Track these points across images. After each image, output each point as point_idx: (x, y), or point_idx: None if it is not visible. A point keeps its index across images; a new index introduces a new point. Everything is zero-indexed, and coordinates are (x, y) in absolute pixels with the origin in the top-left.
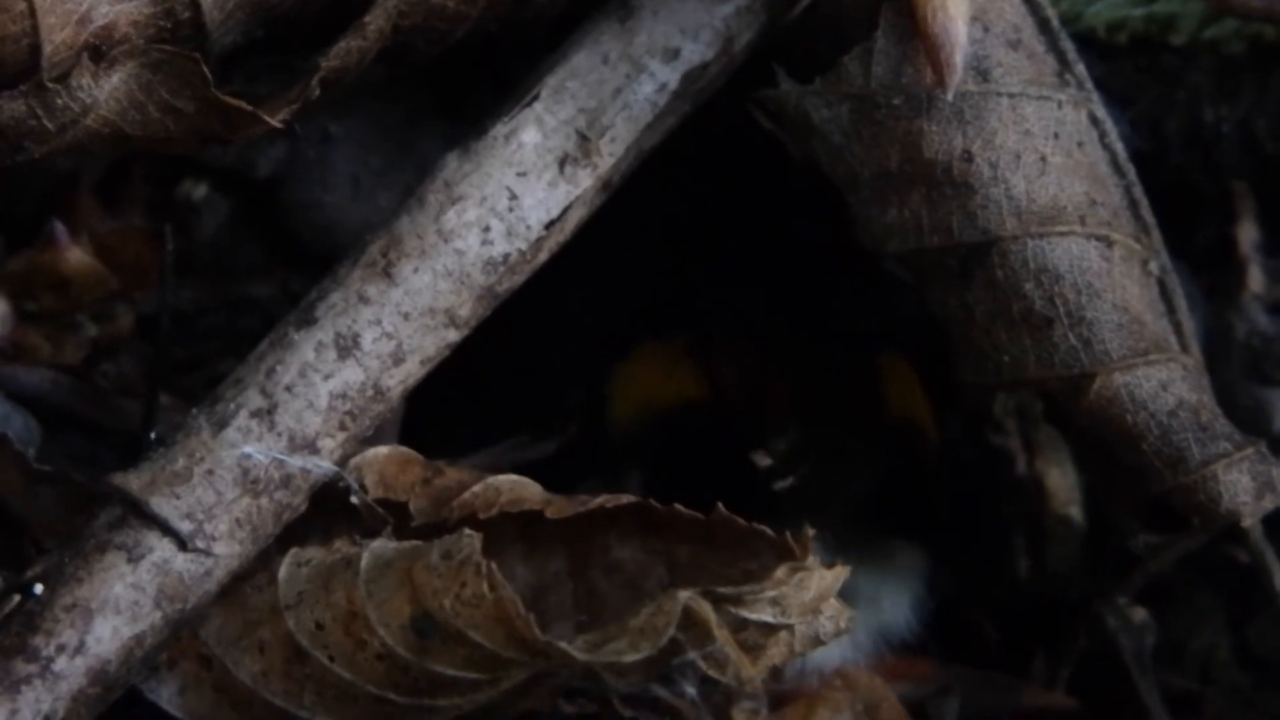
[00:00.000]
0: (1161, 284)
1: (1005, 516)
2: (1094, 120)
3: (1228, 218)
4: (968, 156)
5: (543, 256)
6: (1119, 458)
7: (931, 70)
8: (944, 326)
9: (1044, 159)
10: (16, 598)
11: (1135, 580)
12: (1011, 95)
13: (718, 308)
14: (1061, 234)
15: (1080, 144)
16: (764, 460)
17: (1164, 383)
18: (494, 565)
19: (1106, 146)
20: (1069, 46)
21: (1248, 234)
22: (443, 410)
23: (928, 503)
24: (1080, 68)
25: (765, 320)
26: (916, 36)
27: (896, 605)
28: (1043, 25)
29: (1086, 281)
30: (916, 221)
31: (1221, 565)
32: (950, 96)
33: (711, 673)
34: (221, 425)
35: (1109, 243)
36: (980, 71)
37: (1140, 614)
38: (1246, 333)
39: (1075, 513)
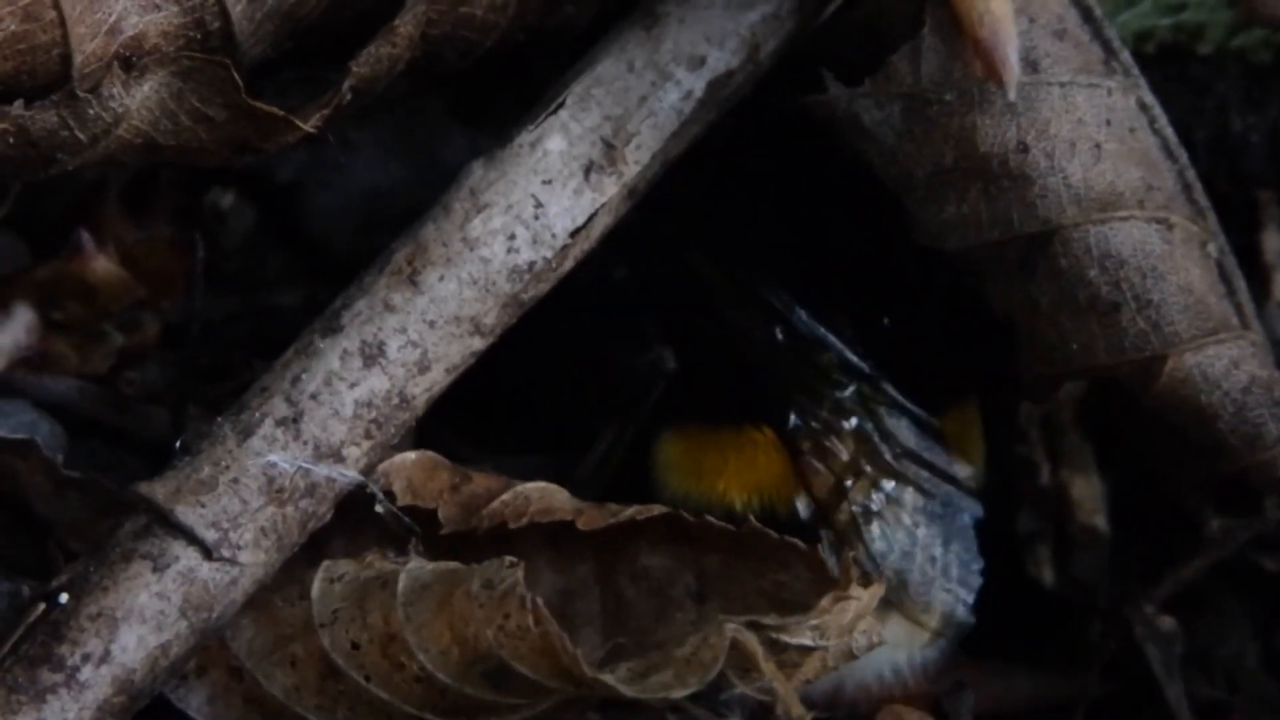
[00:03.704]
0: (1220, 265)
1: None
2: (1143, 106)
3: (1254, 226)
4: (1023, 148)
5: (568, 264)
6: (1192, 440)
7: (986, 72)
8: (1007, 321)
9: (1098, 146)
10: (42, 606)
11: (1163, 588)
12: (1062, 84)
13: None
14: (1122, 219)
15: (1132, 130)
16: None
17: (1235, 360)
18: (539, 600)
19: (1157, 131)
20: (1113, 34)
21: (1273, 242)
22: (460, 411)
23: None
24: (1126, 55)
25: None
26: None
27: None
28: (1086, 14)
29: (1150, 265)
30: (975, 216)
31: (1248, 572)
32: (1012, 95)
33: (757, 696)
34: (247, 434)
35: (1169, 225)
36: (1029, 63)
37: (1168, 622)
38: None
39: (1100, 521)
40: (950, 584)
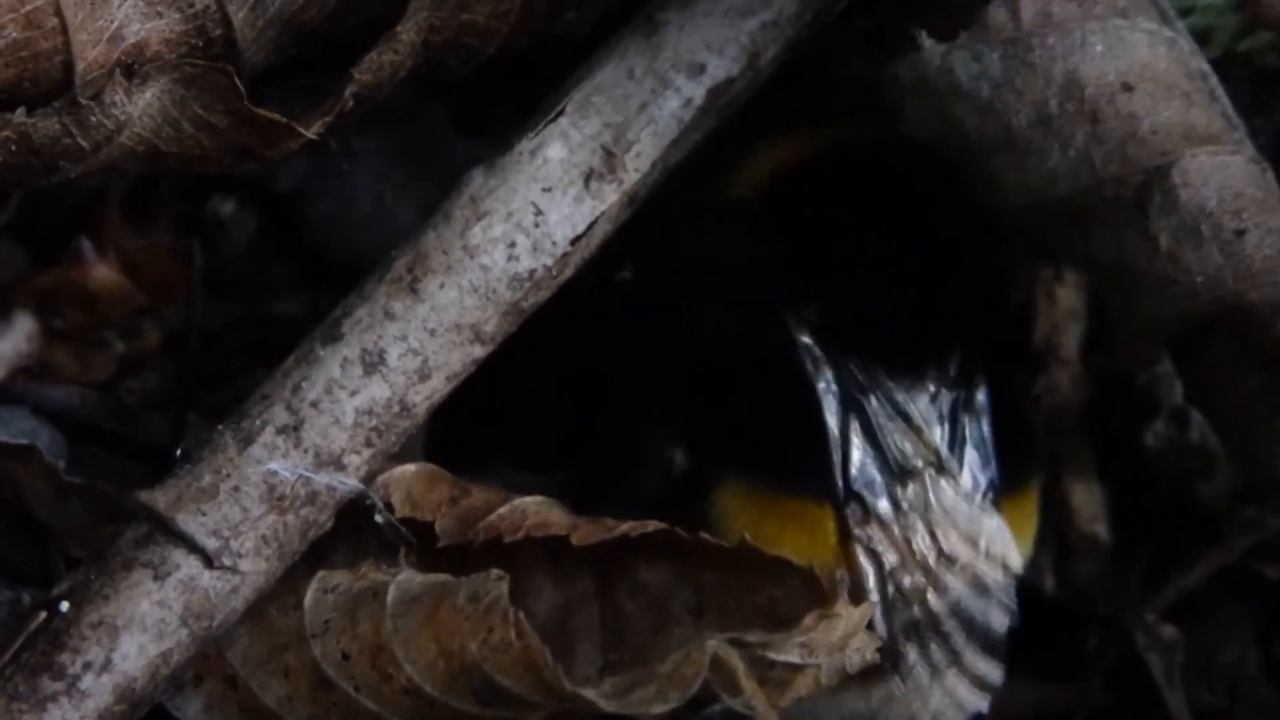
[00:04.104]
0: None
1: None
2: (1203, 74)
3: None
4: (1128, 87)
5: (568, 272)
6: None
7: None
8: (1115, 269)
9: (1187, 94)
10: (43, 615)
11: (1165, 597)
12: (1149, 32)
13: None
14: (1231, 152)
15: (1201, 89)
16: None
17: None
18: (521, 614)
19: (1216, 99)
20: (1167, 5)
21: None
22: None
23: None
24: (1181, 24)
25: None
26: None
27: None
28: None
29: (1262, 196)
30: (1085, 159)
31: (1249, 580)
32: None
33: (741, 711)
34: (247, 442)
35: (1263, 167)
36: (1118, 10)
37: (1169, 631)
38: None
39: (1101, 529)
40: (987, 662)
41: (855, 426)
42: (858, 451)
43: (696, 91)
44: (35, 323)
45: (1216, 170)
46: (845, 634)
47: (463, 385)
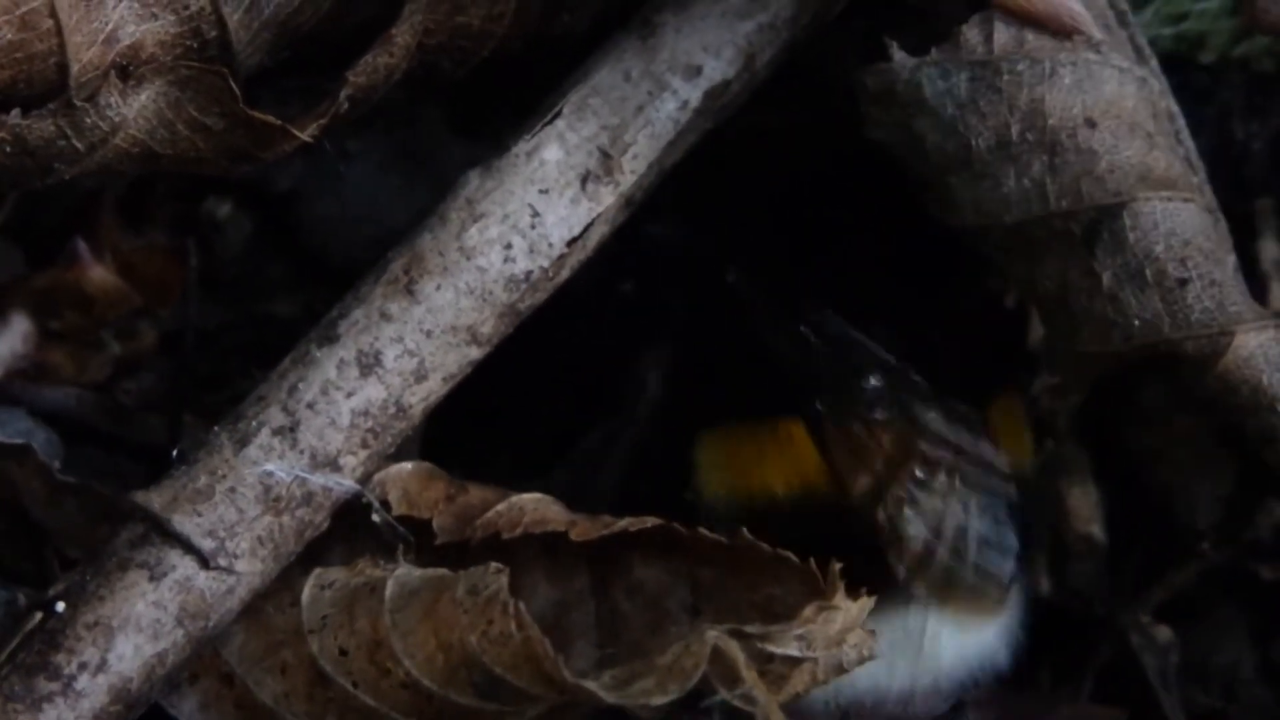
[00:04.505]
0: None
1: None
2: (1170, 115)
3: (1252, 235)
4: (1091, 123)
5: (565, 274)
6: (1247, 426)
7: (1060, 34)
8: (1056, 301)
9: (1150, 135)
10: (39, 615)
11: (1156, 593)
12: (1120, 70)
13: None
14: (1185, 200)
15: (1167, 133)
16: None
17: None
18: (522, 605)
19: (1181, 142)
20: (1144, 42)
21: (1270, 251)
22: (465, 425)
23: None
24: (1155, 63)
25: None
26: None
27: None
28: (1121, 18)
29: (1210, 247)
30: (1039, 189)
31: (1245, 581)
32: (1097, 34)
33: (739, 705)
34: (243, 443)
35: (1216, 217)
36: (1093, 45)
37: (1164, 632)
38: None
39: (1096, 531)
40: (996, 556)
41: (810, 346)
42: (817, 365)
43: (693, 94)
44: (31, 323)
45: (1168, 216)
46: (843, 628)
47: (459, 387)
